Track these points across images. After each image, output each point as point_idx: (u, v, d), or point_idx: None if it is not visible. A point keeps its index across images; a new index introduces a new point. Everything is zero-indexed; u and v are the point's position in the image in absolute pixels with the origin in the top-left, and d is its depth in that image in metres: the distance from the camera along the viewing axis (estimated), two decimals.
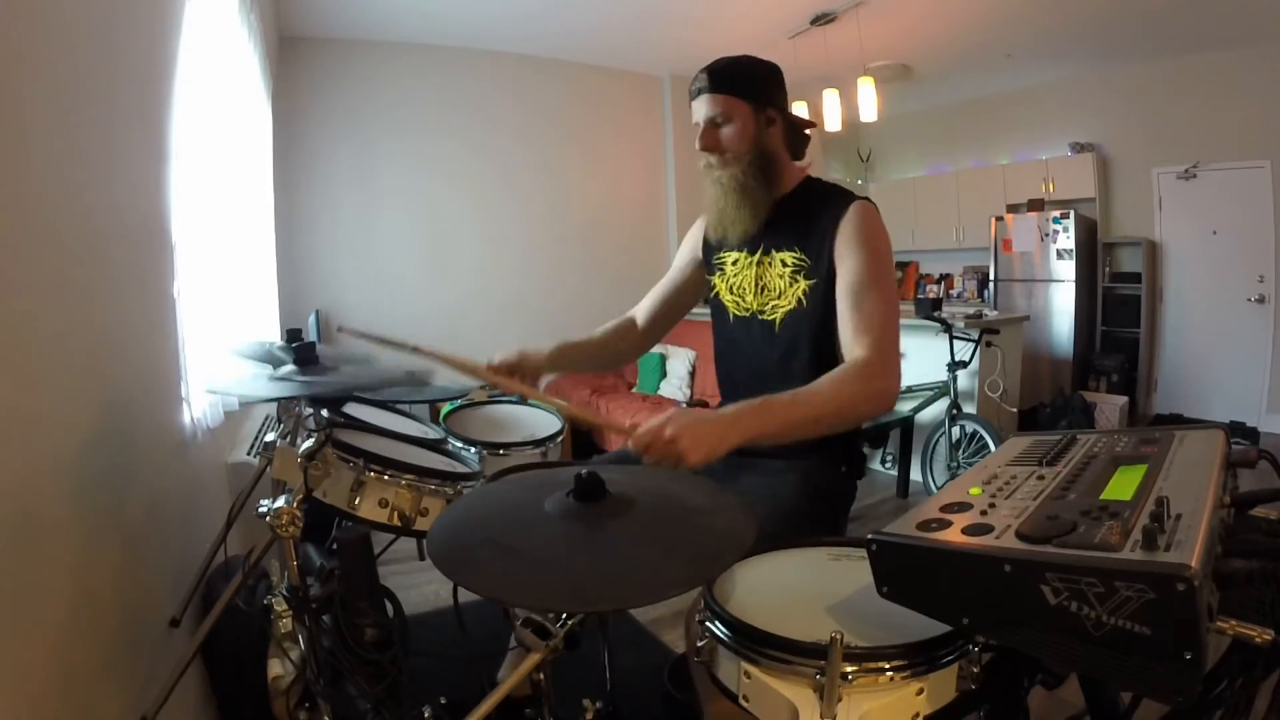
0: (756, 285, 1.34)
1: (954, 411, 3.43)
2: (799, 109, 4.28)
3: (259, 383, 1.24)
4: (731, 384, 1.44)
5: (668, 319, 1.56)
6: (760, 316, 1.33)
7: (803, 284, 1.28)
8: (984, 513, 0.69)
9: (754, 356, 1.36)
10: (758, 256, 1.34)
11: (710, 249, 1.45)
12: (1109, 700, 0.81)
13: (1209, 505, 0.61)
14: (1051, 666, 0.70)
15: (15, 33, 0.85)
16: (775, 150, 1.30)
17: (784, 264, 1.30)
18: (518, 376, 1.31)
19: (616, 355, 1.57)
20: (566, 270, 4.98)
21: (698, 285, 1.50)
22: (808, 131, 1.37)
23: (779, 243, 1.31)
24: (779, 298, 1.31)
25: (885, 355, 1.14)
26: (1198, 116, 4.66)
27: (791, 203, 1.32)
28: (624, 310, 1.60)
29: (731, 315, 1.39)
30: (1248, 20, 3.98)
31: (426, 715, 1.01)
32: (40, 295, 0.91)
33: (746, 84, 1.27)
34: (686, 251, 1.51)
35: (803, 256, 1.28)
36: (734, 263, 1.39)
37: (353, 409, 1.37)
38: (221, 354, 1.65)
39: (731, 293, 1.39)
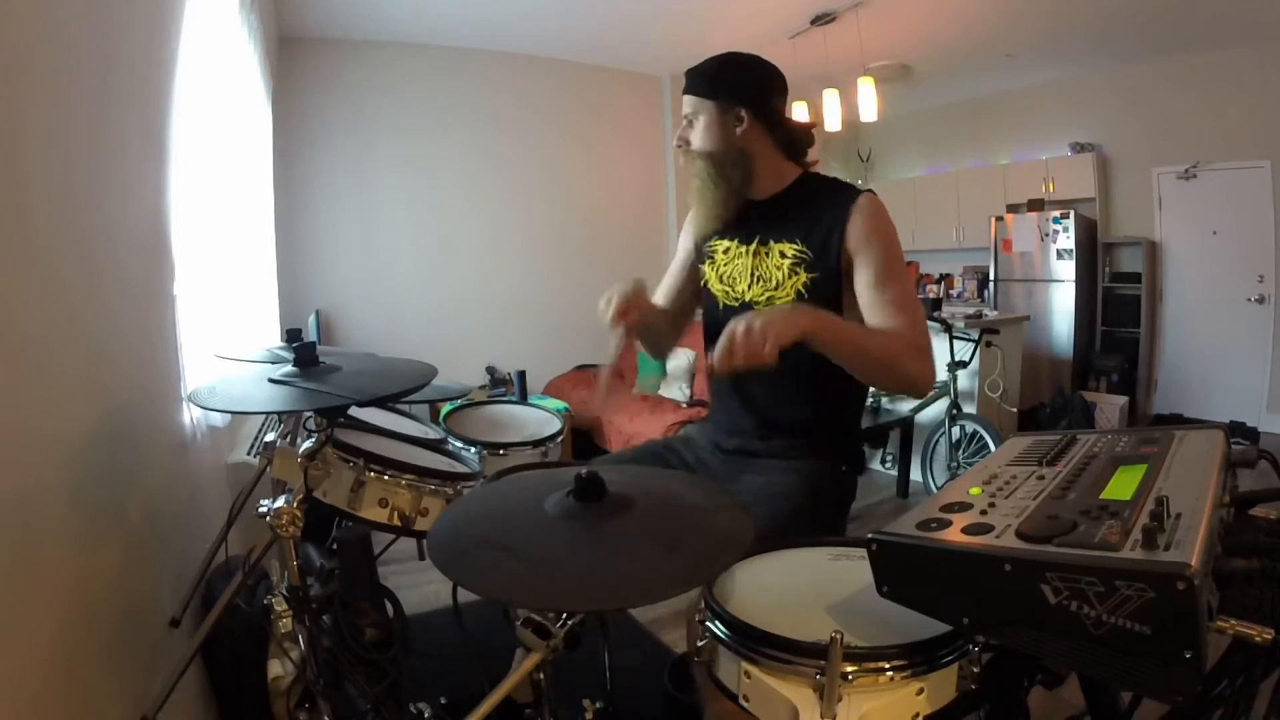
0: (752, 275, 1.34)
1: (954, 411, 3.43)
2: (799, 109, 4.28)
3: (258, 393, 1.22)
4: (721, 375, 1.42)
5: (687, 311, 1.52)
6: (755, 307, 1.33)
7: (803, 276, 1.28)
8: (984, 512, 0.69)
9: None
10: (753, 246, 1.34)
11: (703, 237, 1.44)
12: (1109, 700, 0.81)
13: (1209, 505, 0.61)
14: (1051, 666, 0.70)
15: (13, 33, 0.85)
16: (749, 149, 1.30)
17: (783, 255, 1.31)
18: (635, 313, 1.25)
19: (667, 341, 1.54)
20: (566, 270, 4.97)
21: (699, 275, 1.48)
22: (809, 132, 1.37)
23: (778, 234, 1.31)
24: (776, 289, 1.31)
25: (924, 334, 1.20)
26: (1198, 116, 4.65)
27: (790, 197, 1.33)
28: None
29: (721, 305, 1.39)
30: (1248, 20, 3.98)
31: (426, 715, 1.01)
32: (39, 295, 0.91)
33: (714, 84, 1.31)
34: (685, 242, 1.50)
35: (804, 249, 1.28)
36: (725, 251, 1.39)
37: (353, 408, 1.37)
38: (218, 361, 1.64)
39: (721, 282, 1.39)
